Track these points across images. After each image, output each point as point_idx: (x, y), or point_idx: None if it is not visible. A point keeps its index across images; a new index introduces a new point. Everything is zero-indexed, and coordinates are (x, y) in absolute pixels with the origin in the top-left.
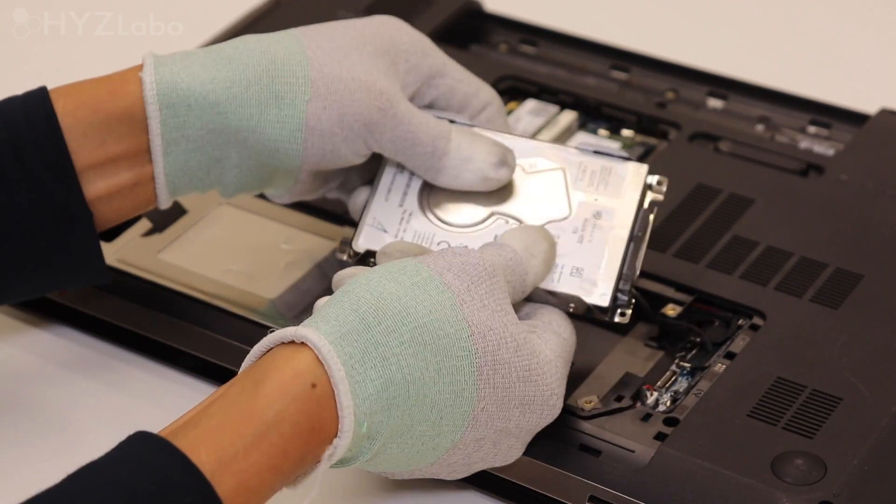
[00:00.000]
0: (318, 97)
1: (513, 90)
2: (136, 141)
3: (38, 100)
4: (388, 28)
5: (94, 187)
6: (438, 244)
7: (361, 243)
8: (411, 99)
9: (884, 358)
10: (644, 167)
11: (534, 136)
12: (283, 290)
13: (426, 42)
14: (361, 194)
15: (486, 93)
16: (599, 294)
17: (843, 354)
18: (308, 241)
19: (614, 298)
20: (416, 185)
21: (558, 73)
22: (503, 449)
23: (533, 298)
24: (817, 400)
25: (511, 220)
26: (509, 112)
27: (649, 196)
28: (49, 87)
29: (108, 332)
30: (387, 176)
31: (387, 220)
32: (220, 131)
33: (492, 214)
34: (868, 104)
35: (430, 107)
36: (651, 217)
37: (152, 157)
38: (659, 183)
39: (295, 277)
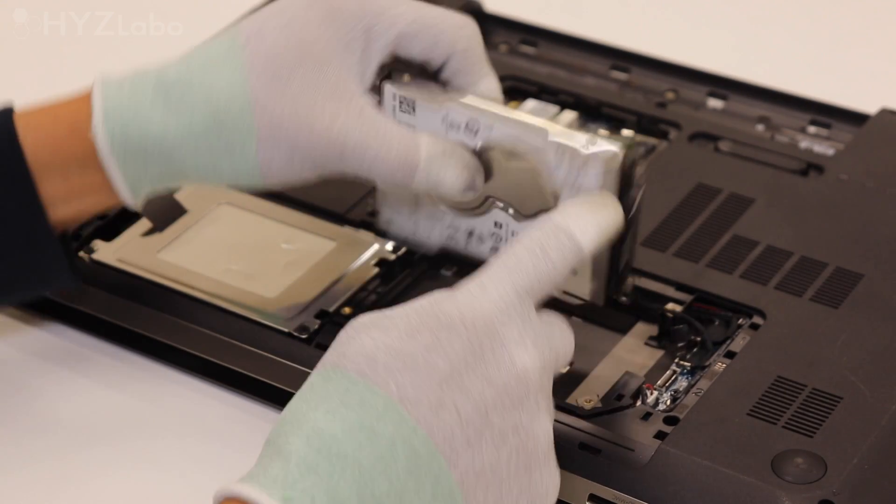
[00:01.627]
0: (266, 140)
1: (513, 90)
2: (100, 176)
3: (3, 130)
4: None
5: (59, 213)
6: None
7: None
8: (383, 66)
9: (884, 357)
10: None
11: None
12: (283, 289)
13: None
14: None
15: (452, 34)
16: (591, 290)
17: (843, 353)
18: (308, 241)
19: (607, 297)
20: None
21: (558, 74)
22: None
23: None
24: (817, 399)
25: (504, 206)
26: None
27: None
28: (18, 106)
29: (108, 331)
30: None
31: None
32: (179, 171)
33: (487, 199)
34: (868, 104)
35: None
36: (638, 197)
37: (116, 188)
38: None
39: (295, 277)
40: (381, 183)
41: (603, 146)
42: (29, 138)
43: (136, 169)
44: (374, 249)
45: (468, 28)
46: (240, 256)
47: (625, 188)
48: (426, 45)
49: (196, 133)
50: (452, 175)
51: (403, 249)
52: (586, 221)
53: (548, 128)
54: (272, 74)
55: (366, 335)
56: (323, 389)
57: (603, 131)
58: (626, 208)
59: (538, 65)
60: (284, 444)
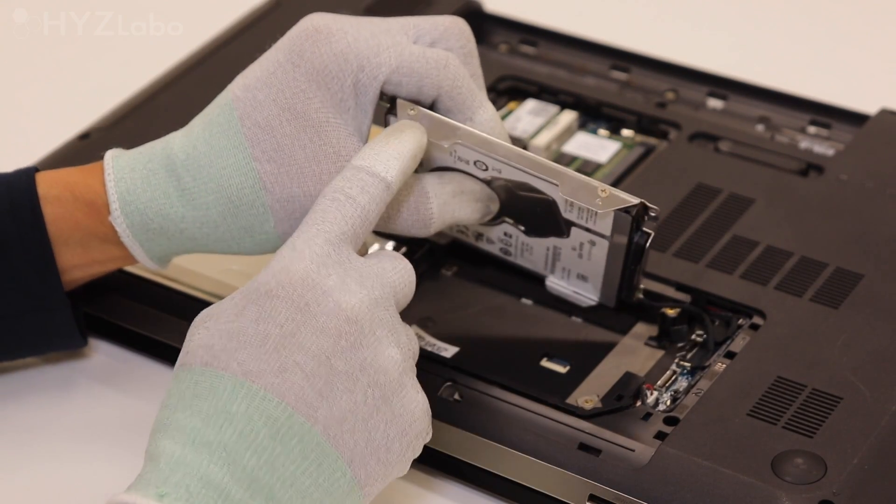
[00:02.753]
0: (282, 220)
1: (513, 90)
2: (122, 250)
3: (26, 195)
4: (313, 53)
5: (75, 275)
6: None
7: None
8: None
9: (884, 357)
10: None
11: (533, 136)
12: None
13: (358, 43)
14: None
15: (434, 77)
16: (605, 297)
17: (843, 354)
18: None
19: (618, 300)
20: None
21: (558, 73)
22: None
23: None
24: (817, 399)
25: (515, 224)
26: (509, 112)
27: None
28: (36, 163)
29: (108, 332)
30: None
31: None
32: (202, 247)
33: (499, 216)
34: (868, 104)
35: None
36: (647, 245)
37: (140, 261)
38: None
39: None
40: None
41: (617, 202)
42: (48, 209)
43: (160, 246)
44: (373, 250)
45: (450, 68)
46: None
47: (636, 229)
48: (412, 89)
49: (214, 220)
50: (467, 212)
51: (404, 249)
52: (387, 156)
53: (558, 179)
54: (275, 149)
55: (202, 328)
56: (177, 390)
57: (603, 132)
58: (639, 246)
59: (538, 65)
60: (154, 448)
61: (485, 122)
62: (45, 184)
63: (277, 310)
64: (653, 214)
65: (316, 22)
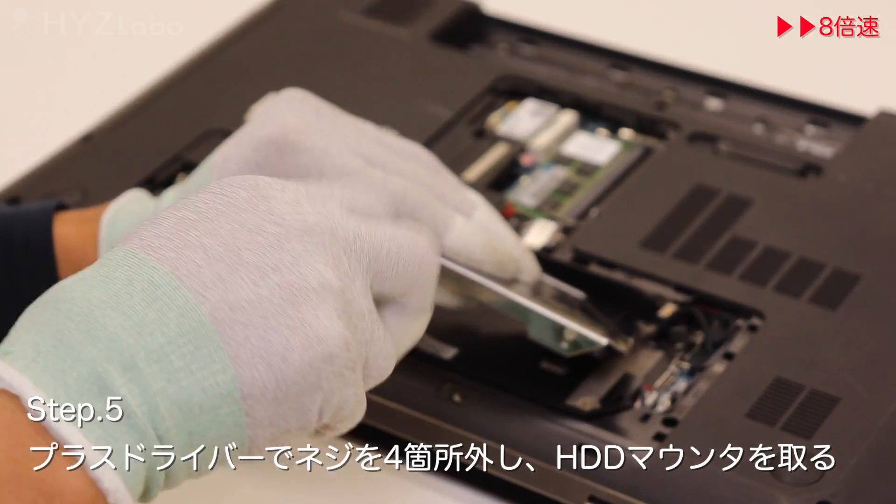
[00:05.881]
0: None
1: (513, 90)
2: None
3: (42, 231)
4: (278, 160)
5: None
6: None
7: None
8: None
9: (882, 358)
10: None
11: (533, 136)
12: None
13: (324, 159)
14: None
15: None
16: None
17: (841, 355)
18: None
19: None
20: None
21: (558, 73)
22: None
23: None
24: (816, 400)
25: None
26: (509, 112)
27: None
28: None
29: None
30: None
31: None
32: None
33: None
34: (867, 105)
35: None
36: (629, 346)
37: None
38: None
39: None
40: None
41: (584, 347)
42: (58, 248)
43: None
44: None
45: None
46: None
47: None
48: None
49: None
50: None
51: None
52: None
53: (526, 319)
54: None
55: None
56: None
57: (603, 129)
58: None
59: (538, 65)
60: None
61: (456, 238)
62: (65, 224)
63: (203, 198)
64: (622, 349)
65: (287, 126)
